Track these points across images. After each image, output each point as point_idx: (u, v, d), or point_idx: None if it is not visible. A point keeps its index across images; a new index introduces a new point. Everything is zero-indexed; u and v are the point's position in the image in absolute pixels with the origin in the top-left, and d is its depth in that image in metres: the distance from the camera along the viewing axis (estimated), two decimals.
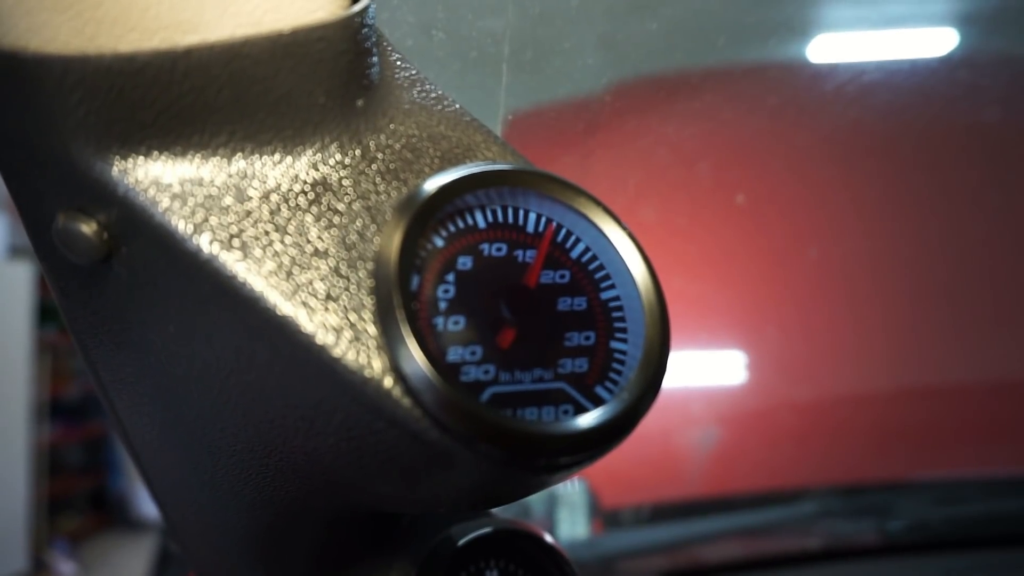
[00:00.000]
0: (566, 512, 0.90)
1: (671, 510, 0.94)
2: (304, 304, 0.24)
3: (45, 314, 3.64)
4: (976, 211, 0.96)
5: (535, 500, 0.91)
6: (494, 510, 0.38)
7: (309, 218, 0.26)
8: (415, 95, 0.30)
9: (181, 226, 0.25)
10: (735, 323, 0.98)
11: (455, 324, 0.25)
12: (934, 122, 0.91)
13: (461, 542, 0.35)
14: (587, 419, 0.25)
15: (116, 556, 3.80)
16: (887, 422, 0.94)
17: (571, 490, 0.91)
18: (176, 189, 0.25)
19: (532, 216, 0.27)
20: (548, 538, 0.37)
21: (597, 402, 0.26)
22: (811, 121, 0.87)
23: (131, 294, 0.27)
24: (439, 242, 0.26)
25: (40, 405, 3.62)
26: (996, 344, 0.95)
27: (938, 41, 0.90)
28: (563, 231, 0.28)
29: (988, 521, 0.85)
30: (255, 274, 0.24)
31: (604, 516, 0.92)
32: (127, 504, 4.15)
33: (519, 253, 0.27)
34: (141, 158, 0.25)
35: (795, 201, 0.96)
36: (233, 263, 0.24)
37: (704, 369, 0.98)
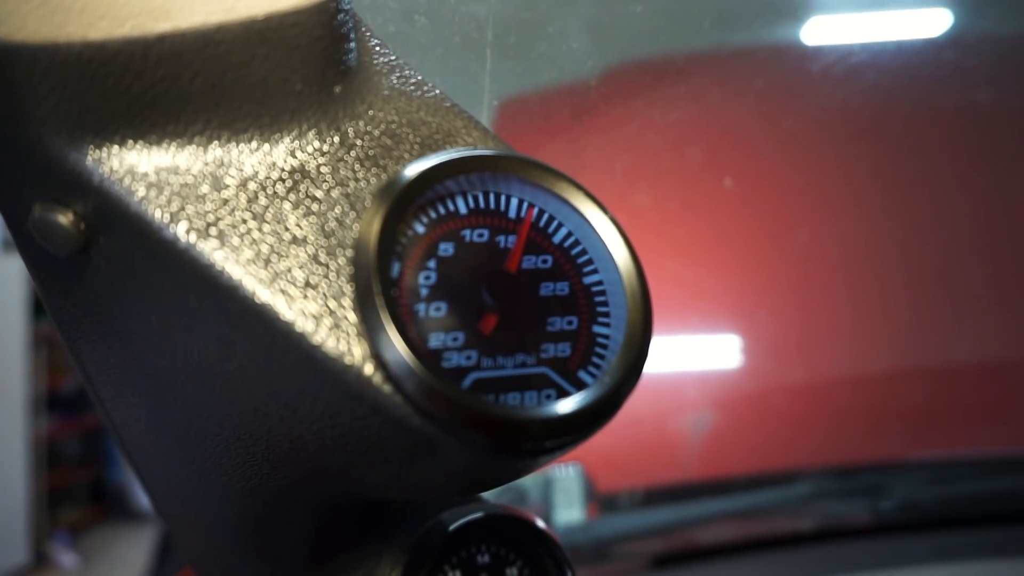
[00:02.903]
0: (562, 497, 0.90)
1: (666, 493, 0.95)
2: (283, 292, 0.24)
3: (40, 307, 3.62)
4: (967, 191, 0.95)
5: (531, 485, 0.92)
6: (485, 495, 0.38)
7: (287, 206, 0.26)
8: (394, 81, 0.30)
9: (157, 215, 0.24)
10: (728, 306, 0.98)
11: (436, 310, 0.25)
12: (923, 103, 0.91)
13: (452, 527, 0.35)
14: (570, 403, 0.25)
15: (116, 547, 3.81)
16: (880, 404, 0.94)
17: (566, 475, 0.91)
18: (152, 178, 0.25)
19: (514, 201, 0.27)
20: (539, 522, 0.37)
21: (580, 386, 0.26)
22: (800, 103, 0.86)
23: (111, 284, 0.27)
24: (420, 228, 0.26)
25: (37, 398, 3.62)
26: (988, 325, 0.95)
27: (926, 21, 0.90)
28: (545, 216, 0.28)
29: (978, 500, 0.85)
30: (233, 263, 0.24)
31: (599, 500, 0.92)
32: (126, 495, 4.16)
33: (501, 239, 0.27)
34: (115, 147, 0.25)
35: (786, 184, 0.96)
36: (211, 252, 0.24)
37: (698, 353, 0.98)
